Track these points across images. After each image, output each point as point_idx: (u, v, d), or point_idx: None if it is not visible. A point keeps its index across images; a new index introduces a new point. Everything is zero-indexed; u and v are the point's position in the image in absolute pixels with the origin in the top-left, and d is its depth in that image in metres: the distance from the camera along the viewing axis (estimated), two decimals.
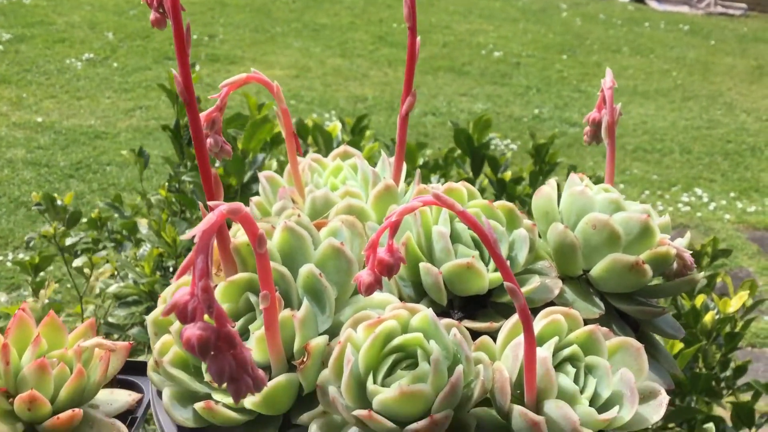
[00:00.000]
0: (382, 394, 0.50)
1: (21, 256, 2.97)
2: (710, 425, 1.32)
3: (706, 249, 1.71)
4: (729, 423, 1.41)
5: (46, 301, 1.64)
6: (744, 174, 4.14)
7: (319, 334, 0.59)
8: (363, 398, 0.52)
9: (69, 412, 0.64)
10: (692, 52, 6.10)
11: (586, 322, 0.59)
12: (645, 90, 5.26)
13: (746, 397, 1.48)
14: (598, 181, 0.77)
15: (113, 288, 1.59)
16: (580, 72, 5.49)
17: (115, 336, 1.54)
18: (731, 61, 5.95)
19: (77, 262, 1.71)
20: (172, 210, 1.60)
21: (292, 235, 0.62)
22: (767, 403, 1.67)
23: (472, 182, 1.67)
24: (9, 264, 2.95)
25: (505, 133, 4.32)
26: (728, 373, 1.51)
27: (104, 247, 1.71)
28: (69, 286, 1.76)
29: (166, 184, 1.66)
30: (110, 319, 1.61)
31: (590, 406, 0.53)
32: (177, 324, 0.60)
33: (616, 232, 0.64)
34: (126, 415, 0.71)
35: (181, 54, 0.52)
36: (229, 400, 0.58)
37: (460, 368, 0.51)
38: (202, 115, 0.66)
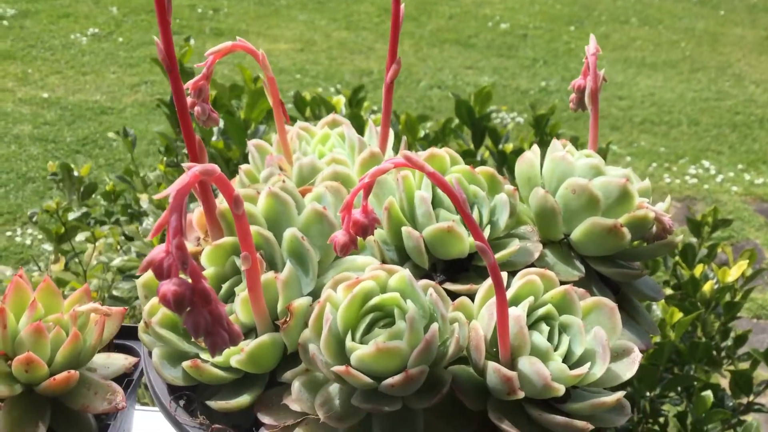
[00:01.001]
0: (360, 351, 0.52)
1: (29, 231, 3.01)
2: (708, 392, 1.33)
3: (706, 219, 1.71)
4: (728, 391, 1.42)
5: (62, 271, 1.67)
6: (752, 146, 4.11)
7: (303, 296, 0.60)
8: (342, 355, 0.53)
9: (65, 373, 0.66)
10: (701, 23, 6.02)
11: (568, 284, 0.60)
12: (653, 61, 5.21)
13: (746, 365, 1.49)
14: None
15: (117, 261, 1.61)
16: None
17: None
18: (741, 32, 5.87)
19: (80, 237, 1.73)
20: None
21: (277, 201, 0.63)
22: None
23: (473, 154, 1.68)
24: (18, 239, 2.99)
25: (512, 106, 4.30)
26: (729, 342, 1.52)
27: (117, 221, 1.72)
28: (76, 261, 1.78)
29: (164, 159, 1.68)
30: (114, 293, 1.64)
31: (563, 362, 0.54)
32: None
33: (594, 196, 0.65)
34: (122, 378, 0.74)
35: (162, 20, 0.53)
36: (217, 360, 0.60)
37: (435, 326, 0.52)
38: (189, 83, 0.67)
